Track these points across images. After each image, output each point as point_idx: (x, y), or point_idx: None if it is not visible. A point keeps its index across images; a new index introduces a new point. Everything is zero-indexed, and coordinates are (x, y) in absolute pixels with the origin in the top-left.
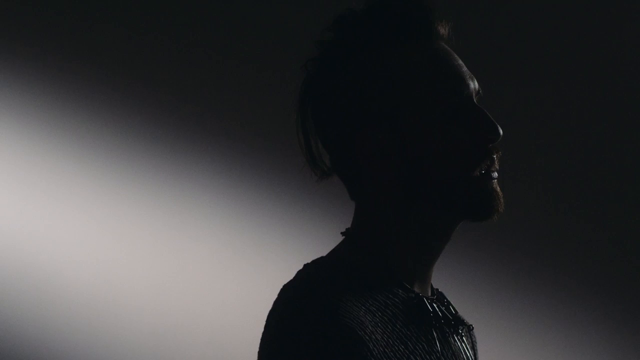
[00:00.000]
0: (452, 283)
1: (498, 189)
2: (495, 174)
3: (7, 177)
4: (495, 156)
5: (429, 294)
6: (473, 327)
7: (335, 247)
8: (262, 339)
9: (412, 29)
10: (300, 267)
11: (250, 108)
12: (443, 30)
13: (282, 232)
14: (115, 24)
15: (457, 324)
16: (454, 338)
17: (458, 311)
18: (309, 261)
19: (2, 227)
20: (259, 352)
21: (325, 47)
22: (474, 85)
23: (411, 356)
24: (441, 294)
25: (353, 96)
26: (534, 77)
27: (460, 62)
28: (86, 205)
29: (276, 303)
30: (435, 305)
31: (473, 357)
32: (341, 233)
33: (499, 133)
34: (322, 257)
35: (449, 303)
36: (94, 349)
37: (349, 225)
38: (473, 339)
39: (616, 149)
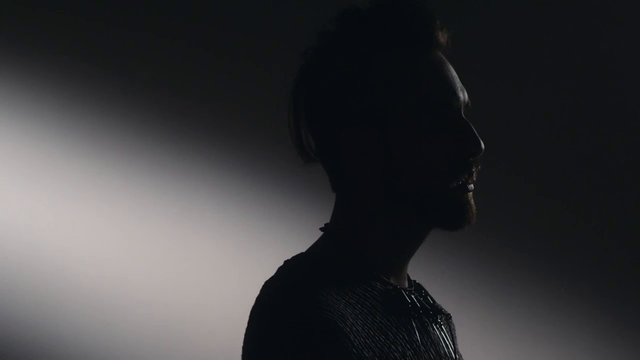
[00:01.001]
0: (434, 273)
1: (472, 201)
2: (472, 187)
3: (18, 175)
4: (474, 169)
5: (406, 286)
6: (451, 316)
7: (315, 243)
8: (245, 335)
9: (413, 35)
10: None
11: (252, 109)
12: (442, 39)
13: (281, 228)
14: (130, 26)
15: (435, 314)
16: (432, 327)
17: (436, 301)
18: (289, 257)
19: (13, 223)
20: (243, 347)
21: (326, 39)
22: (463, 97)
23: (392, 345)
24: (419, 285)
25: (346, 92)
26: (533, 78)
27: (454, 73)
28: (94, 202)
29: (258, 299)
30: (413, 296)
31: (452, 344)
32: (320, 229)
33: (481, 148)
34: (301, 253)
35: (426, 294)
36: (101, 340)
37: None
38: (452, 327)
39: (607, 150)
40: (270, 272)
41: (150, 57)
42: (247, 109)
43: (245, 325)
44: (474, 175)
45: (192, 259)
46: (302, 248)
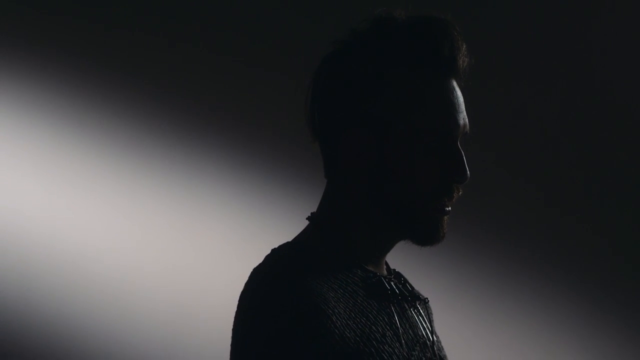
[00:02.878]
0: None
1: (445, 223)
2: (449, 209)
3: (37, 170)
4: (455, 194)
5: (385, 274)
6: (428, 300)
7: (301, 232)
8: (235, 318)
9: (437, 61)
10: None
11: (255, 109)
12: (460, 65)
13: (285, 218)
14: (148, 30)
15: (413, 299)
16: (411, 312)
17: (414, 287)
18: (276, 246)
19: (33, 216)
20: (232, 330)
21: (357, 36)
22: (463, 124)
23: (372, 327)
24: (398, 273)
25: (360, 94)
26: (530, 79)
27: (461, 100)
28: (108, 196)
29: (247, 284)
30: (392, 283)
31: (429, 327)
32: (306, 218)
33: (466, 177)
34: (288, 242)
35: (405, 281)
36: (113, 325)
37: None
38: (429, 311)
39: (602, 151)
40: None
41: (160, 59)
42: (250, 109)
43: None
44: (454, 199)
45: (199, 248)
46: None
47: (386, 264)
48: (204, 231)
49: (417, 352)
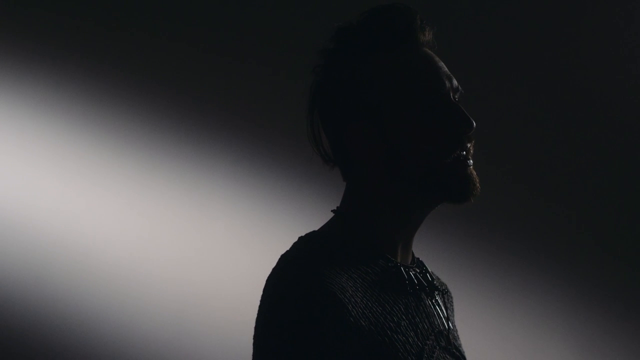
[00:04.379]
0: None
1: (474, 174)
2: (471, 162)
3: (54, 167)
4: (469, 145)
5: (409, 263)
6: (448, 290)
7: (326, 223)
8: (261, 299)
9: (398, 38)
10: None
11: (261, 106)
12: (425, 37)
13: (288, 211)
14: (159, 32)
15: (432, 289)
16: (428, 301)
17: (435, 276)
18: (303, 234)
19: (50, 208)
20: (258, 308)
21: (328, 55)
22: (451, 84)
23: (388, 316)
24: (421, 262)
25: (346, 94)
26: (524, 77)
27: (441, 64)
28: (120, 190)
29: (274, 270)
30: (412, 272)
31: (446, 316)
32: (332, 211)
33: (472, 125)
34: (314, 231)
35: (426, 270)
36: (124, 312)
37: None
38: (448, 300)
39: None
40: (275, 251)
41: (174, 59)
42: (257, 106)
43: (254, 297)
44: (470, 150)
45: (207, 239)
46: (307, 228)
47: (412, 253)
48: (212, 224)
49: (431, 342)
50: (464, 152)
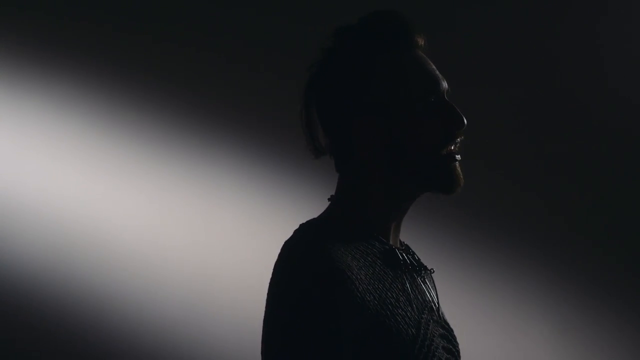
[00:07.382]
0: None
1: (459, 169)
2: (459, 157)
3: (75, 159)
4: (458, 140)
5: (398, 246)
6: (434, 271)
7: (324, 210)
8: (270, 284)
9: (396, 40)
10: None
11: (266, 102)
12: (420, 41)
13: (289, 199)
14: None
15: (421, 269)
16: (419, 280)
17: (420, 259)
18: (304, 222)
19: (71, 196)
20: (267, 293)
21: (327, 53)
22: (444, 85)
23: (388, 292)
24: (407, 246)
25: (351, 91)
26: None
27: (434, 66)
28: (137, 181)
29: (280, 255)
30: (404, 254)
31: (435, 295)
32: (328, 199)
33: (464, 122)
34: (314, 218)
35: (413, 253)
36: (138, 293)
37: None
38: (432, 279)
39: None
40: (278, 239)
41: (186, 59)
42: (262, 103)
43: (261, 280)
44: (458, 145)
45: (216, 227)
46: (306, 216)
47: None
48: (221, 211)
49: (426, 315)
50: (453, 147)
